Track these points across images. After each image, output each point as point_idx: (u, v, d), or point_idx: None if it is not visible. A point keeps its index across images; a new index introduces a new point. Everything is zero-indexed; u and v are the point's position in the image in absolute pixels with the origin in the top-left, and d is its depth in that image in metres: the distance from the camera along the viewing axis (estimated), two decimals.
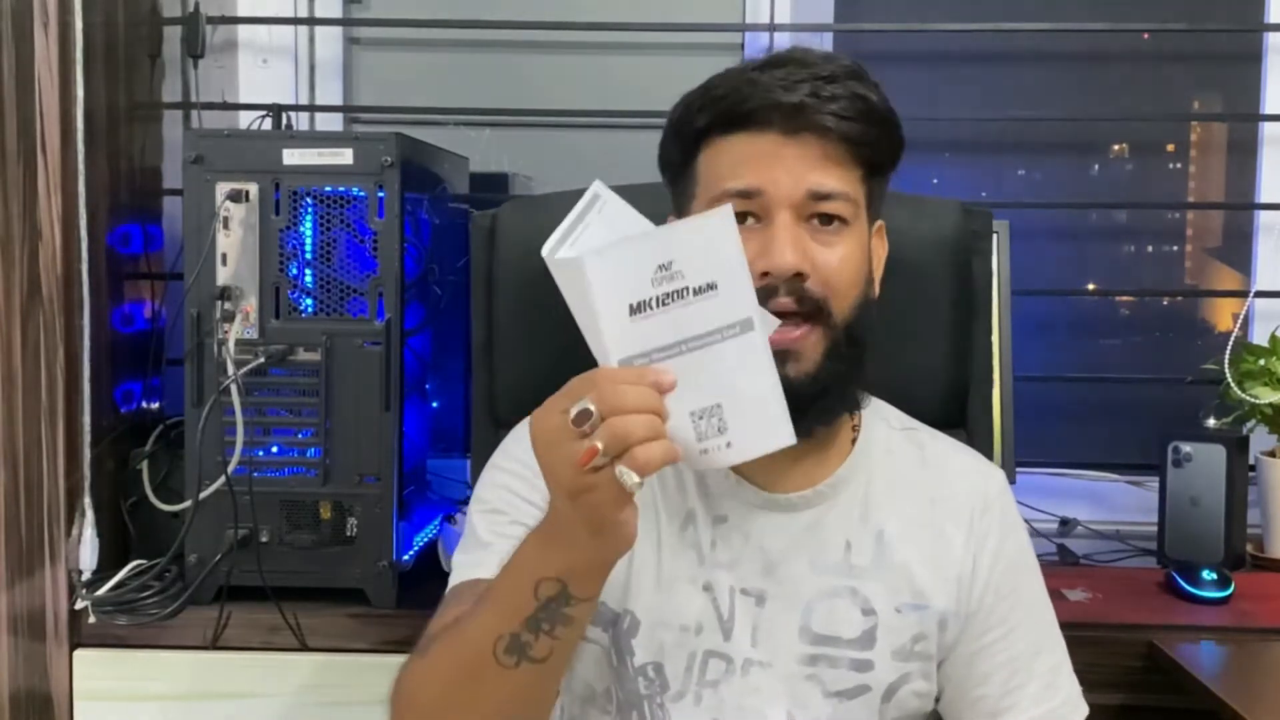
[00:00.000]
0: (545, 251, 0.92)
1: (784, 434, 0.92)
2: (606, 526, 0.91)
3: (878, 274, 1.15)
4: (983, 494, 1.17)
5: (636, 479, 0.87)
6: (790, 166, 1.05)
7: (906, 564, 1.13)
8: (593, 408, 0.87)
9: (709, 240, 0.88)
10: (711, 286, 0.88)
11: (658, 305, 0.88)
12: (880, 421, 1.19)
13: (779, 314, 1.02)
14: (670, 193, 1.15)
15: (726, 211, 0.90)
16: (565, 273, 0.90)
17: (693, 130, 1.09)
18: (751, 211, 1.06)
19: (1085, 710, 1.16)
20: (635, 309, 0.88)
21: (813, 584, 1.12)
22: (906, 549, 1.13)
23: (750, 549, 1.12)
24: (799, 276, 1.04)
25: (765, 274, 1.04)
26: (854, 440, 1.17)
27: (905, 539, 1.14)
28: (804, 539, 1.13)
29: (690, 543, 1.13)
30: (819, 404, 1.08)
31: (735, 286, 0.89)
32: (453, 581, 1.15)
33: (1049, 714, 1.13)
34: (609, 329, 0.89)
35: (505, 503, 1.14)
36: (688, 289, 0.88)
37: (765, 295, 1.04)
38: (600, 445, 0.86)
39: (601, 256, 0.88)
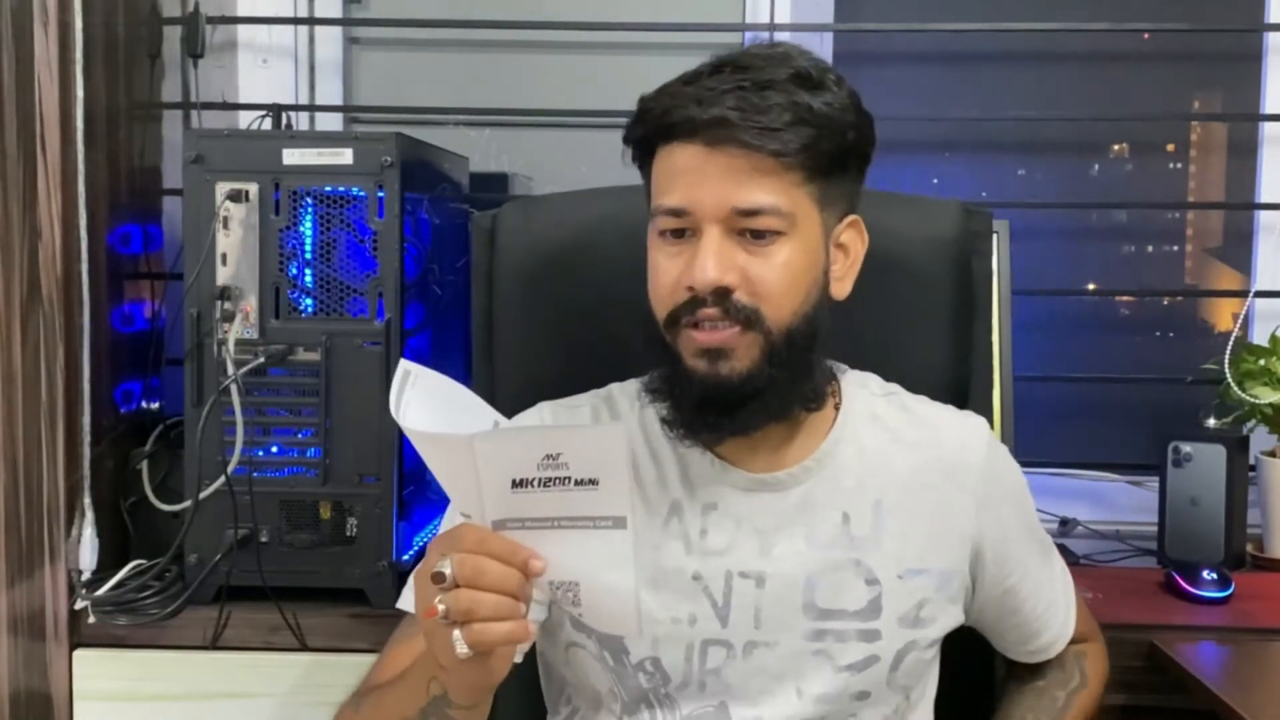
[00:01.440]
0: (402, 423, 0.95)
1: (631, 627, 0.96)
2: (451, 668, 0.94)
3: (852, 271, 1.15)
4: (974, 447, 1.18)
5: (465, 649, 0.90)
6: (715, 183, 1.05)
7: (906, 530, 1.14)
8: (447, 571, 0.90)
9: (600, 445, 0.91)
10: (593, 482, 0.91)
11: (539, 485, 0.91)
12: (861, 389, 1.20)
13: (707, 325, 1.06)
14: None
15: (619, 430, 0.93)
16: (444, 446, 0.93)
17: (633, 138, 1.12)
18: (685, 226, 1.07)
19: (1072, 585, 1.30)
20: (517, 484, 0.91)
21: (811, 559, 1.12)
22: (905, 515, 1.14)
23: (744, 532, 1.13)
24: (725, 289, 1.05)
25: (690, 287, 1.06)
26: (837, 410, 1.18)
27: (903, 504, 1.15)
28: (797, 515, 1.13)
29: (676, 534, 1.13)
30: (754, 403, 1.09)
31: (616, 487, 0.91)
32: (404, 595, 1.17)
33: (1067, 619, 1.27)
34: (488, 493, 0.91)
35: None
36: (570, 479, 0.91)
37: (691, 307, 1.06)
38: (441, 609, 0.90)
39: (492, 440, 0.92)
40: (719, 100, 1.04)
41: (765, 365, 1.07)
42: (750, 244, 1.06)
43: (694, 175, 1.05)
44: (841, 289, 1.14)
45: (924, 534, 1.14)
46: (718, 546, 1.13)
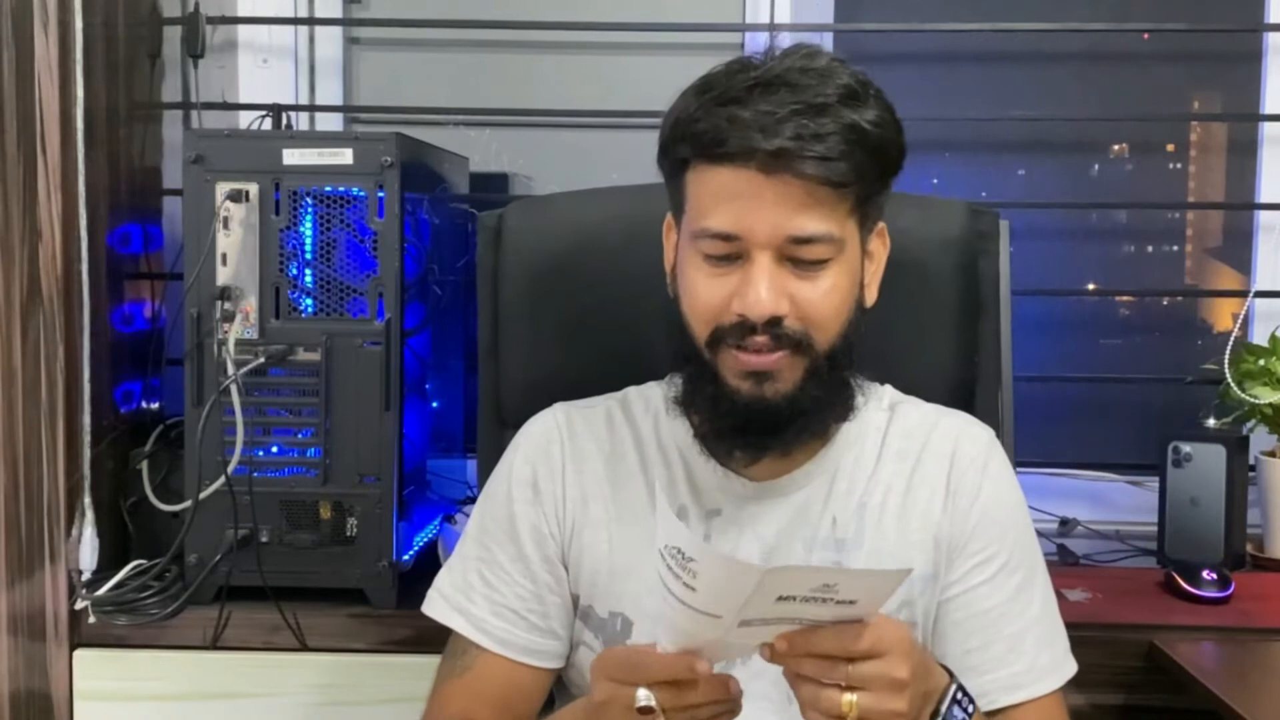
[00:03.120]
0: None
1: None
2: None
3: (877, 277, 1.15)
4: (960, 452, 1.16)
5: None
6: (769, 211, 1.03)
7: (887, 533, 1.14)
8: (652, 704, 0.92)
9: (880, 585, 0.91)
10: (852, 601, 0.90)
11: (801, 600, 0.90)
12: (873, 401, 1.20)
13: (755, 351, 1.05)
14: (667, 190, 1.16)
15: (903, 576, 0.91)
16: (731, 569, 0.91)
17: (676, 156, 1.09)
18: (732, 251, 1.05)
19: (1054, 682, 1.14)
20: (781, 598, 0.90)
21: (805, 562, 1.12)
22: (887, 519, 1.14)
23: (746, 539, 1.13)
24: (776, 318, 1.05)
25: (741, 314, 1.05)
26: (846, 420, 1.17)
27: (885, 508, 1.14)
28: (796, 521, 1.14)
29: None
30: (797, 423, 1.09)
31: (870, 609, 0.91)
32: (437, 605, 1.20)
33: (1009, 679, 1.12)
34: (749, 605, 0.90)
35: (517, 567, 1.18)
36: (833, 599, 0.90)
37: (741, 331, 1.05)
38: None
39: (784, 573, 0.89)
40: (779, 129, 1.01)
41: (808, 385, 1.07)
42: (799, 268, 1.05)
43: (747, 201, 1.03)
44: (870, 295, 1.14)
45: (906, 538, 1.13)
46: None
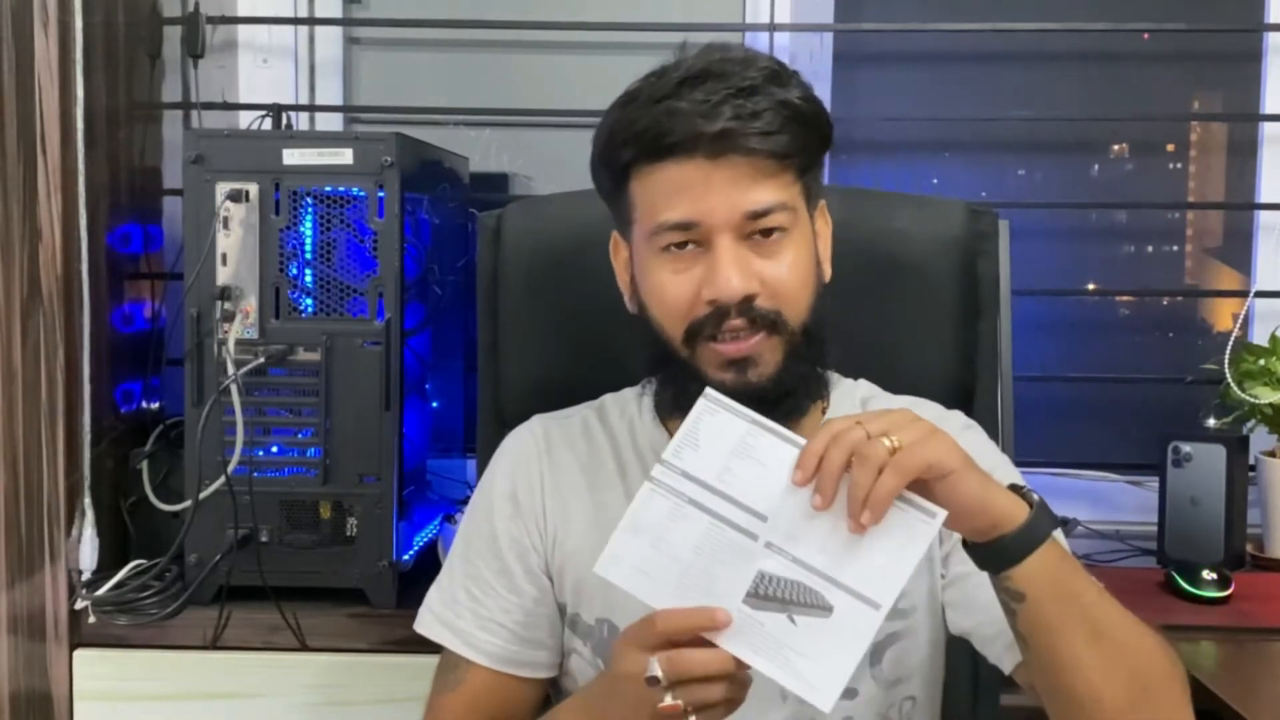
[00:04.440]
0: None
1: (822, 699, 0.93)
2: None
3: (826, 256, 1.16)
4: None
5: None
6: (722, 192, 1.05)
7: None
8: (659, 674, 0.91)
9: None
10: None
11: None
12: (846, 398, 1.21)
13: (733, 338, 1.06)
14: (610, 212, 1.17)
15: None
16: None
17: (619, 163, 1.10)
18: (692, 239, 1.07)
19: None
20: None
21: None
22: None
23: None
24: (748, 297, 1.06)
25: (713, 300, 1.06)
26: (823, 415, 1.18)
27: None
28: None
29: None
30: (785, 404, 1.09)
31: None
32: (426, 622, 1.21)
33: None
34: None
35: (489, 554, 1.19)
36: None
37: (716, 319, 1.06)
38: (679, 704, 0.92)
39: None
40: (717, 113, 1.03)
41: (790, 365, 1.08)
42: (760, 245, 1.07)
43: (698, 188, 1.05)
44: (827, 271, 1.15)
45: None
46: None
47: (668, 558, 0.95)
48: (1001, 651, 1.11)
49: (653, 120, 1.05)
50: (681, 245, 1.07)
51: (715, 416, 0.97)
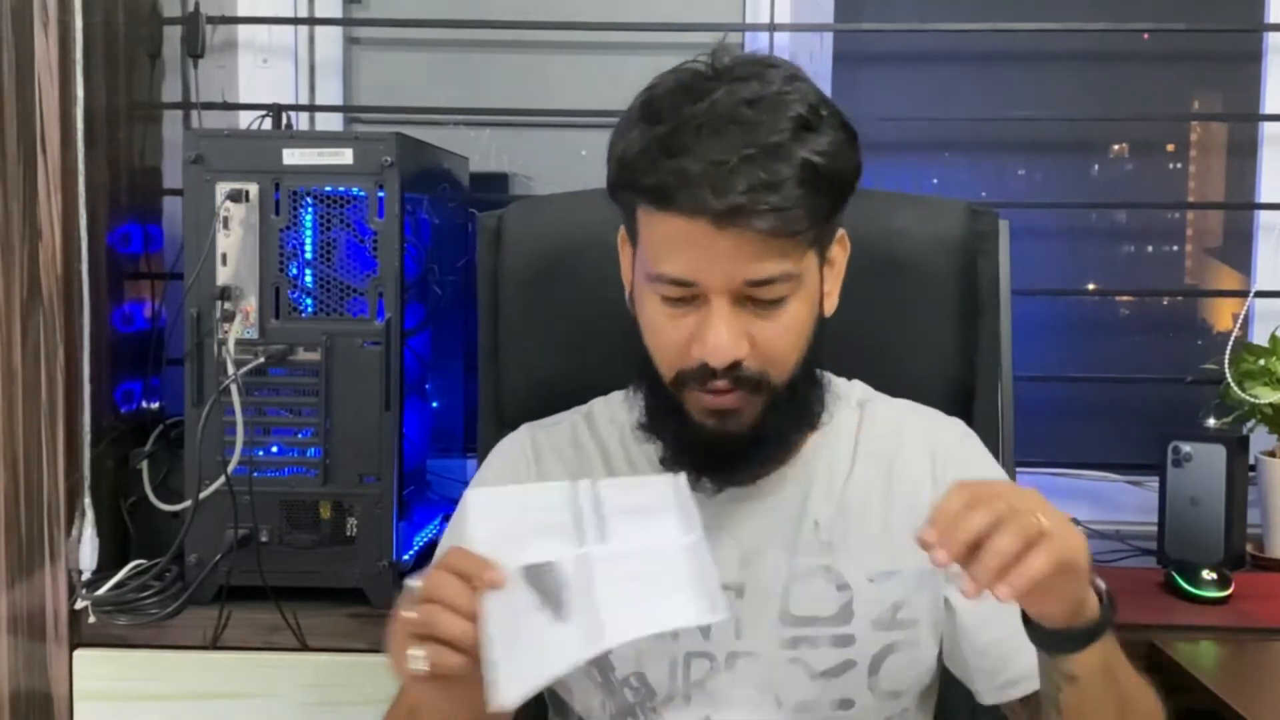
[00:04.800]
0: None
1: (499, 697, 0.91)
2: (414, 689, 0.98)
3: (834, 289, 1.13)
4: (939, 445, 1.16)
5: (422, 666, 0.92)
6: (724, 260, 1.00)
7: (875, 532, 1.13)
8: (416, 585, 0.93)
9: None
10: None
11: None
12: (842, 402, 1.19)
13: (715, 392, 1.05)
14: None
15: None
16: None
17: (624, 200, 1.07)
18: (688, 294, 1.04)
19: None
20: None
21: (788, 568, 1.11)
22: (873, 517, 1.13)
23: (725, 543, 1.11)
24: (735, 362, 1.04)
25: (701, 359, 1.04)
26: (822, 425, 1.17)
27: (871, 507, 1.13)
28: (774, 525, 1.13)
29: None
30: (761, 453, 1.10)
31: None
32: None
33: None
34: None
35: None
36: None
37: (702, 375, 1.04)
38: (412, 615, 0.92)
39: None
40: (730, 184, 0.97)
41: (769, 418, 1.07)
42: (759, 307, 1.04)
43: (700, 250, 1.00)
44: (831, 304, 1.12)
45: (894, 535, 1.12)
46: None
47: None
48: (992, 688, 1.13)
49: (660, 179, 1.00)
50: (679, 299, 1.04)
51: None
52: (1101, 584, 0.98)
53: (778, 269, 1.02)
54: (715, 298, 1.02)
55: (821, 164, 1.00)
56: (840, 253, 1.13)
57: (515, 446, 1.23)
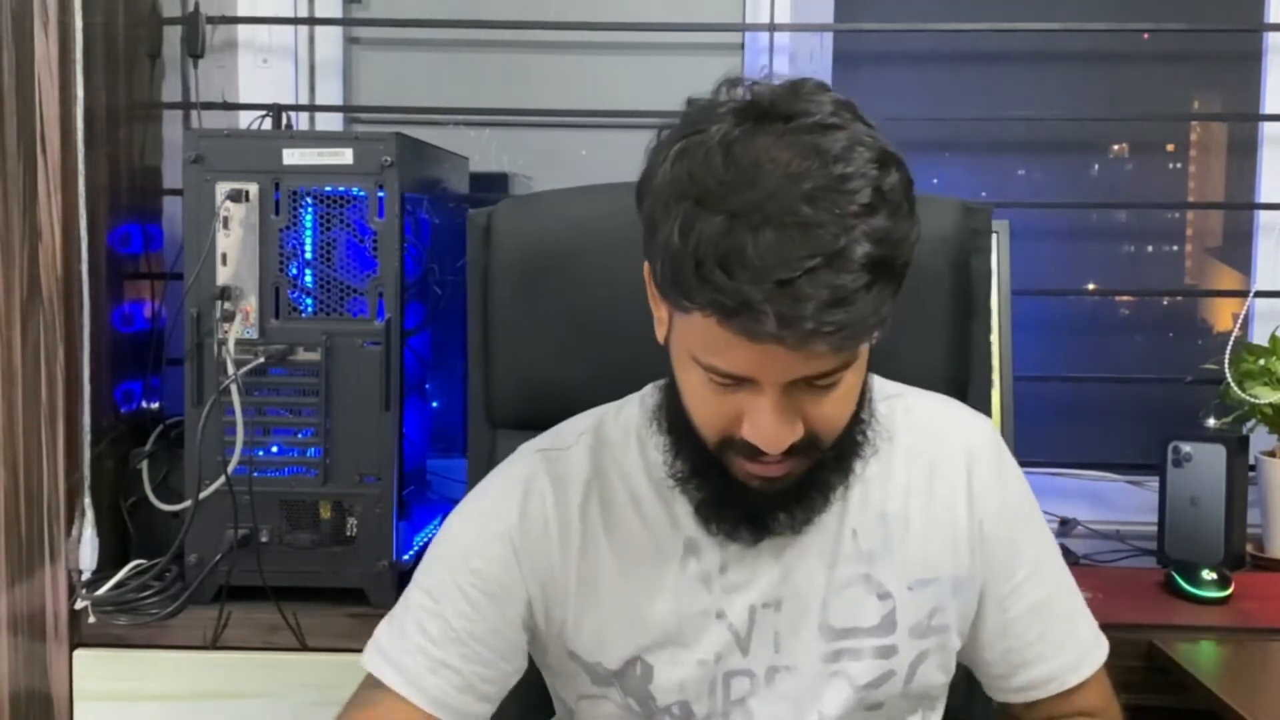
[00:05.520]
0: None
1: None
2: None
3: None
4: (975, 451, 1.13)
5: None
6: (785, 365, 0.93)
7: (913, 539, 1.10)
8: None
9: None
10: None
11: None
12: (877, 401, 1.14)
13: (763, 464, 0.99)
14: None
15: None
16: None
17: (671, 297, 0.95)
18: (735, 382, 0.96)
19: (1104, 649, 1.16)
20: None
21: (826, 579, 1.09)
22: (912, 524, 1.10)
23: (764, 561, 1.08)
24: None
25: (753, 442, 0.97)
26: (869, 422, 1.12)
27: (909, 514, 1.10)
28: (812, 537, 1.09)
29: (695, 574, 1.08)
30: (804, 504, 1.05)
31: None
32: (368, 656, 1.14)
33: (1074, 658, 1.14)
34: None
35: (468, 626, 1.10)
36: None
37: (750, 451, 0.98)
38: None
39: None
40: (797, 309, 0.87)
41: (816, 472, 1.03)
42: (813, 390, 0.97)
43: (760, 356, 0.92)
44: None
45: (932, 541, 1.10)
46: (739, 580, 1.08)
47: None
48: (998, 690, 1.16)
49: (716, 301, 0.89)
50: (726, 383, 0.96)
51: None
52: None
53: (838, 363, 0.95)
54: (769, 388, 0.94)
55: (887, 255, 0.90)
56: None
57: (528, 486, 1.12)
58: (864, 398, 1.06)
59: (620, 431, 1.14)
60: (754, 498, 1.03)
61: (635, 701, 1.10)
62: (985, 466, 1.13)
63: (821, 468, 1.04)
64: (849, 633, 1.09)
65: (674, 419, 1.06)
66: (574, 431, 1.16)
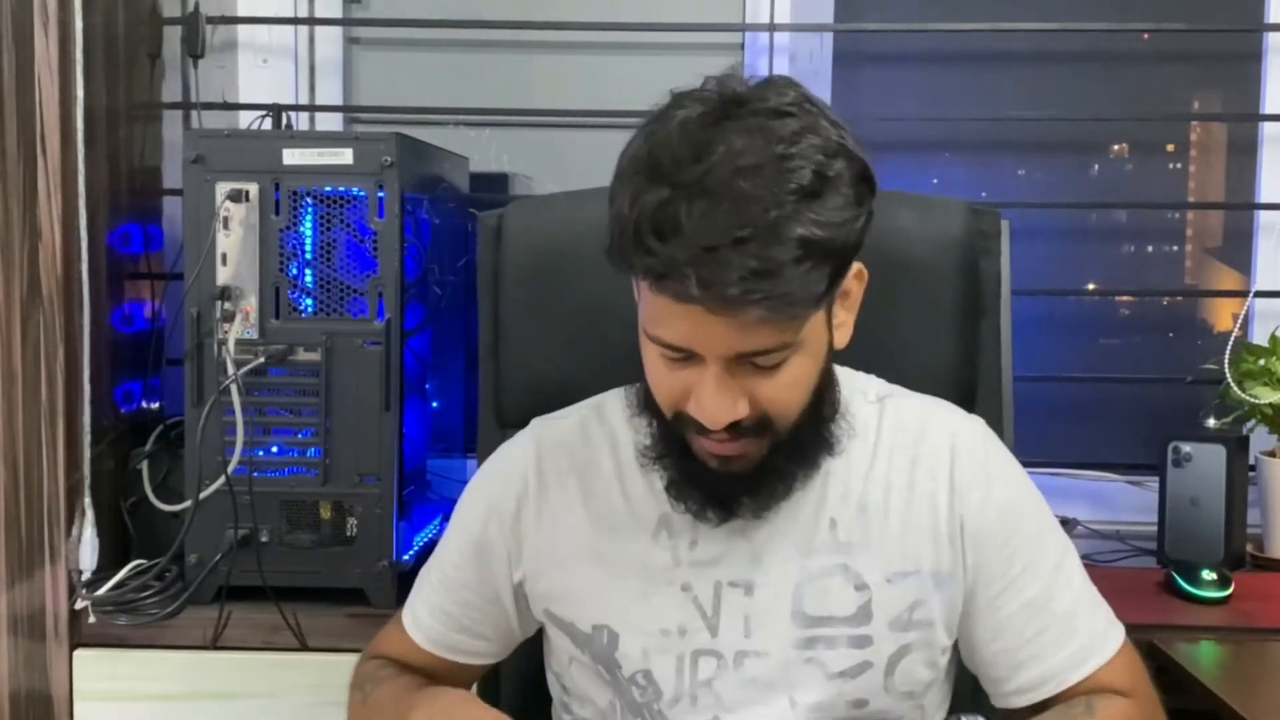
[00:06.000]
0: None
1: None
2: None
3: (854, 310, 1.09)
4: (959, 446, 1.13)
5: None
6: (719, 336, 0.96)
7: (893, 532, 1.11)
8: None
9: None
10: None
11: None
12: (858, 396, 1.16)
13: (715, 440, 1.02)
14: None
15: None
16: None
17: (618, 263, 0.99)
18: (683, 356, 1.00)
19: (1115, 641, 1.15)
20: None
21: (801, 567, 1.10)
22: (892, 517, 1.11)
23: (735, 542, 1.11)
24: (734, 422, 1.01)
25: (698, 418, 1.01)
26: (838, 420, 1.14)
27: (889, 506, 1.11)
28: (787, 524, 1.11)
29: (665, 546, 1.12)
30: (765, 488, 1.08)
31: None
32: (407, 608, 1.25)
33: (1071, 656, 1.11)
34: None
35: (458, 575, 1.21)
36: None
37: (698, 428, 1.02)
38: None
39: None
40: (720, 274, 0.91)
41: (774, 458, 1.06)
42: (757, 369, 1.00)
43: (693, 325, 0.96)
44: (844, 335, 1.08)
45: (912, 534, 1.11)
46: (707, 557, 1.11)
47: None
48: (998, 694, 1.15)
49: (649, 265, 0.94)
50: (674, 358, 1.01)
51: None
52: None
53: (775, 341, 0.98)
54: (711, 362, 0.98)
55: (823, 237, 0.93)
56: (856, 285, 1.07)
57: (518, 452, 1.20)
58: (829, 393, 1.09)
59: (620, 407, 1.19)
60: (715, 479, 1.06)
61: (604, 669, 1.13)
62: (969, 462, 1.13)
63: (780, 454, 1.06)
64: (823, 621, 1.10)
65: (646, 399, 1.10)
66: (579, 405, 1.23)
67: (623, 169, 0.99)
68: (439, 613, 1.21)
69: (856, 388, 1.17)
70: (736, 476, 1.06)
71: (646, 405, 1.11)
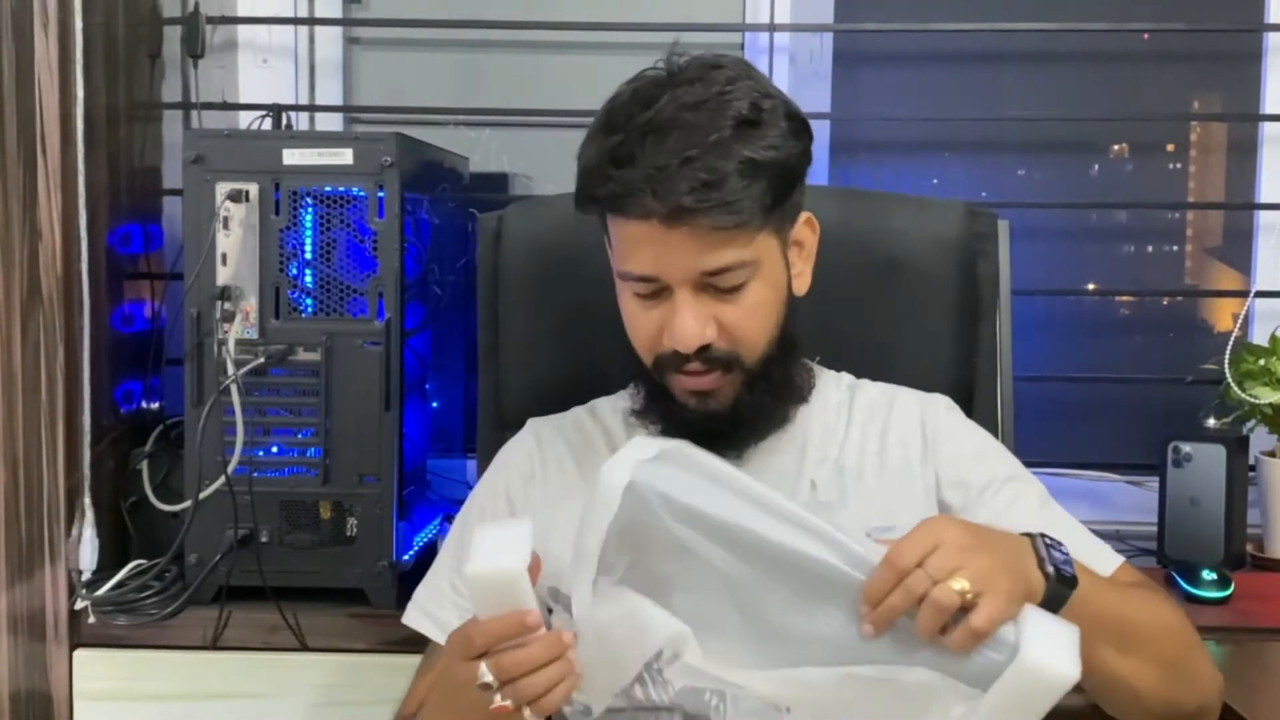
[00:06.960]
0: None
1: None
2: None
3: (810, 260, 1.19)
4: (927, 411, 1.24)
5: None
6: (680, 254, 1.08)
7: (871, 490, 1.18)
8: (490, 680, 0.96)
9: None
10: None
11: None
12: (830, 383, 1.27)
13: (693, 374, 1.12)
14: None
15: None
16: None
17: (588, 207, 1.13)
18: (653, 290, 1.11)
19: (1116, 556, 1.22)
20: None
21: None
22: (868, 477, 1.19)
23: None
24: (704, 346, 1.11)
25: (672, 347, 1.11)
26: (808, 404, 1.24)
27: (864, 467, 1.20)
28: (772, 486, 1.12)
29: None
30: (744, 428, 1.16)
31: None
32: (411, 615, 1.28)
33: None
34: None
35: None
36: None
37: (677, 360, 1.12)
38: (509, 704, 0.97)
39: None
40: (672, 185, 1.04)
41: (745, 396, 1.14)
42: (720, 294, 1.11)
43: (657, 246, 1.08)
44: (802, 284, 1.19)
45: (889, 492, 1.18)
46: None
47: None
48: None
49: (610, 190, 1.07)
50: (647, 294, 1.12)
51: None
52: (1049, 568, 0.99)
53: (733, 258, 1.08)
54: (678, 289, 1.10)
55: (764, 157, 1.07)
56: (809, 234, 1.19)
57: (519, 440, 1.30)
58: (790, 343, 1.18)
59: (609, 405, 1.29)
60: (697, 422, 1.14)
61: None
62: (937, 424, 1.23)
63: (753, 388, 1.15)
64: None
65: (631, 366, 1.18)
66: (570, 412, 1.31)
67: (587, 134, 1.13)
68: (456, 609, 1.23)
69: (829, 377, 1.28)
70: (714, 415, 1.14)
71: (630, 368, 1.19)
